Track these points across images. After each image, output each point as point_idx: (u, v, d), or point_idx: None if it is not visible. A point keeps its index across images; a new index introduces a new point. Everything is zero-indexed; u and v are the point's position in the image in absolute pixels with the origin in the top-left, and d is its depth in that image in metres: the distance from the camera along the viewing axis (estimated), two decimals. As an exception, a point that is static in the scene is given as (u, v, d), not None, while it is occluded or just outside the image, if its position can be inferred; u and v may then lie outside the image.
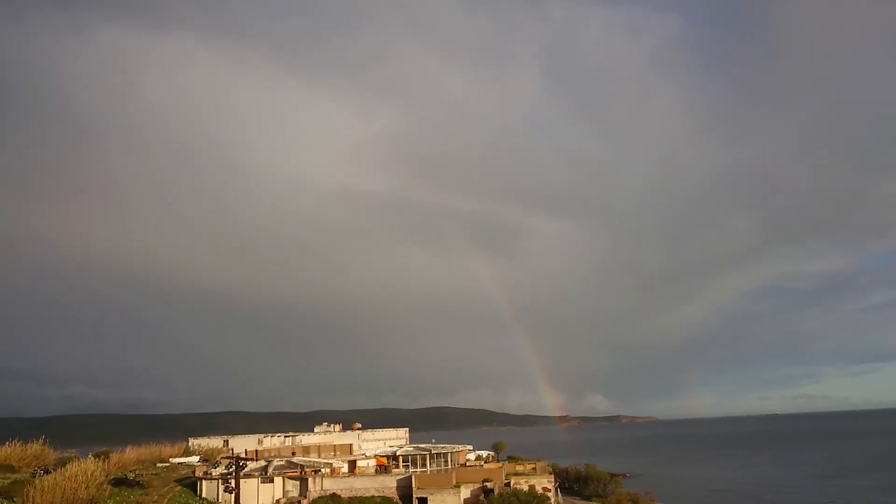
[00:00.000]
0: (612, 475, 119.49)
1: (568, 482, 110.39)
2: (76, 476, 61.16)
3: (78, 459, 73.19)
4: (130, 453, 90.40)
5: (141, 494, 69.58)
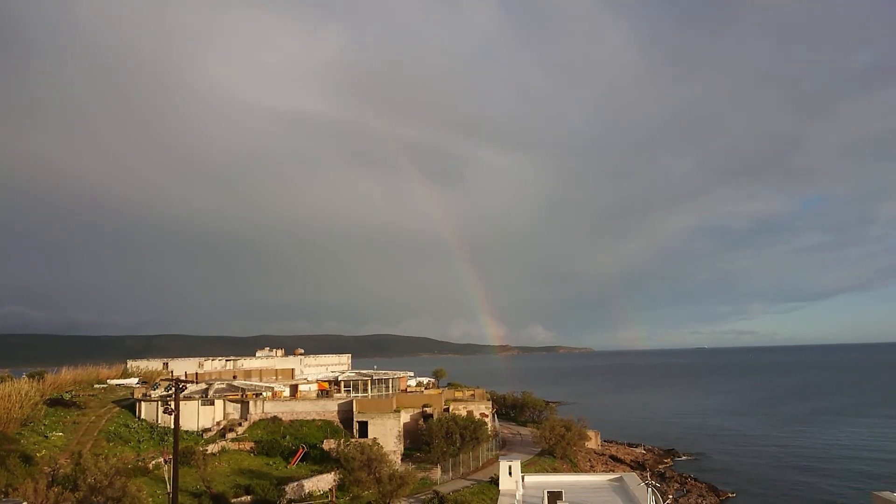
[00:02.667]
0: (548, 402, 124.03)
1: (505, 409, 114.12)
2: (10, 395, 60.17)
3: (11, 379, 71.86)
4: (66, 374, 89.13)
5: (78, 415, 69.07)
